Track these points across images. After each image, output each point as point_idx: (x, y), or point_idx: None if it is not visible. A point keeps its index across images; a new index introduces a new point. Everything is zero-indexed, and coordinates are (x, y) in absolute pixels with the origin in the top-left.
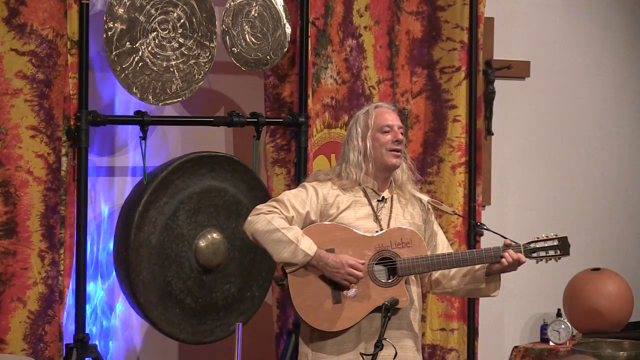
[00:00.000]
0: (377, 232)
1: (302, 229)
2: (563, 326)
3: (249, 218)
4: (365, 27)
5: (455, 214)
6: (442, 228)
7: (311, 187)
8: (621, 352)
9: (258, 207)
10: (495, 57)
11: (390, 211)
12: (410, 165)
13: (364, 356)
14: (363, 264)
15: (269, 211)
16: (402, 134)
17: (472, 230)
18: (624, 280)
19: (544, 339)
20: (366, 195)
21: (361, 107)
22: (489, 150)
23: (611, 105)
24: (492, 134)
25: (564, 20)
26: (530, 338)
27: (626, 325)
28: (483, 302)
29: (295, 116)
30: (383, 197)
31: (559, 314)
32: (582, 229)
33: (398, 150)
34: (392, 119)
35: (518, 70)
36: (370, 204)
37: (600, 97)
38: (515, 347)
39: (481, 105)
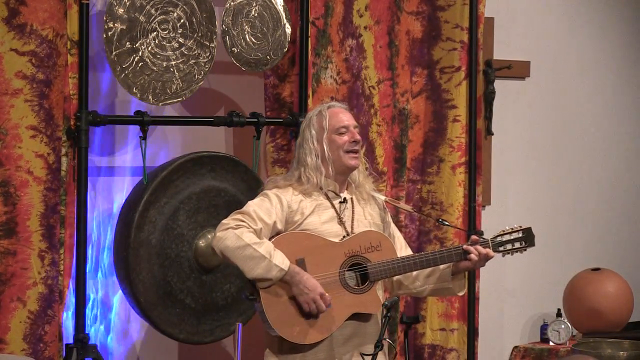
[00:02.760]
0: (344, 236)
1: (270, 239)
2: (563, 326)
3: (217, 234)
4: (365, 27)
5: (415, 212)
6: (442, 227)
7: (274, 195)
8: (621, 352)
9: (224, 221)
10: (495, 57)
11: (353, 212)
12: (366, 164)
13: (364, 356)
14: (328, 306)
15: (237, 225)
16: (358, 133)
17: (472, 228)
18: (624, 280)
19: (544, 339)
20: (328, 198)
21: (361, 107)
22: (489, 150)
23: (611, 105)
24: (492, 134)
25: (564, 20)
26: (530, 338)
27: (626, 325)
28: (483, 302)
29: (295, 116)
30: (344, 199)
31: (559, 314)
32: (582, 229)
33: (356, 151)
34: (347, 119)
35: (518, 70)
36: (333, 207)
37: (600, 97)
38: (515, 347)
39: (481, 105)
